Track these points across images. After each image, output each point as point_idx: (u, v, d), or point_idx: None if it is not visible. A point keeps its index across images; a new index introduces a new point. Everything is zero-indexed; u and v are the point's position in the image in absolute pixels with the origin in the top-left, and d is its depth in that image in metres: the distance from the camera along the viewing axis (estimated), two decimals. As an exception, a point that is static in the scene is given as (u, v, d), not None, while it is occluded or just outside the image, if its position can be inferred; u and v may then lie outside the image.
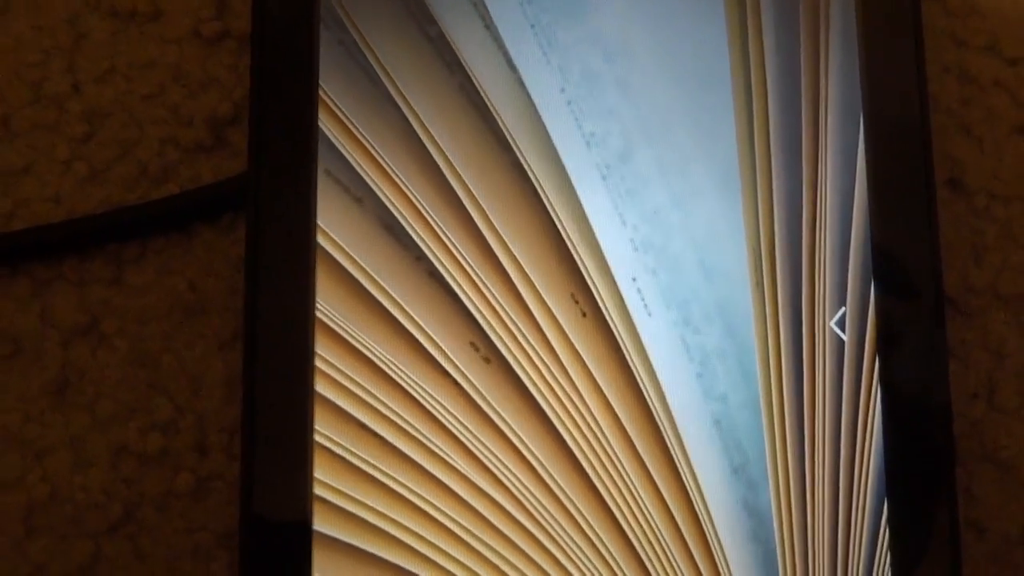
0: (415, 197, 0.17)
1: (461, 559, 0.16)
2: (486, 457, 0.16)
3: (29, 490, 0.18)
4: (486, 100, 0.17)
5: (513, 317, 0.17)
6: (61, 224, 0.19)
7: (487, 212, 0.17)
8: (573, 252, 0.17)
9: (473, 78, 0.17)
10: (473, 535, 0.16)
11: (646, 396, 0.17)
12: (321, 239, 0.17)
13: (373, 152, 0.17)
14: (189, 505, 0.18)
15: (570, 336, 0.17)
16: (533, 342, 0.17)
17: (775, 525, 0.16)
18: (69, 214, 0.19)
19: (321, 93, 0.17)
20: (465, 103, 0.17)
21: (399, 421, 0.16)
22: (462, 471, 0.16)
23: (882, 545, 0.16)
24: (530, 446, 0.16)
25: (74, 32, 0.20)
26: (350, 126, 0.17)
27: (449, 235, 0.17)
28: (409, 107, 0.17)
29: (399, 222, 0.17)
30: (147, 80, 0.19)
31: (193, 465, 0.18)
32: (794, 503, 0.16)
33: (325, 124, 0.17)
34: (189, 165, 0.19)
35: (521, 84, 0.17)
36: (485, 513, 0.16)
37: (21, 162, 0.19)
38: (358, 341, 0.17)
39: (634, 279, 0.17)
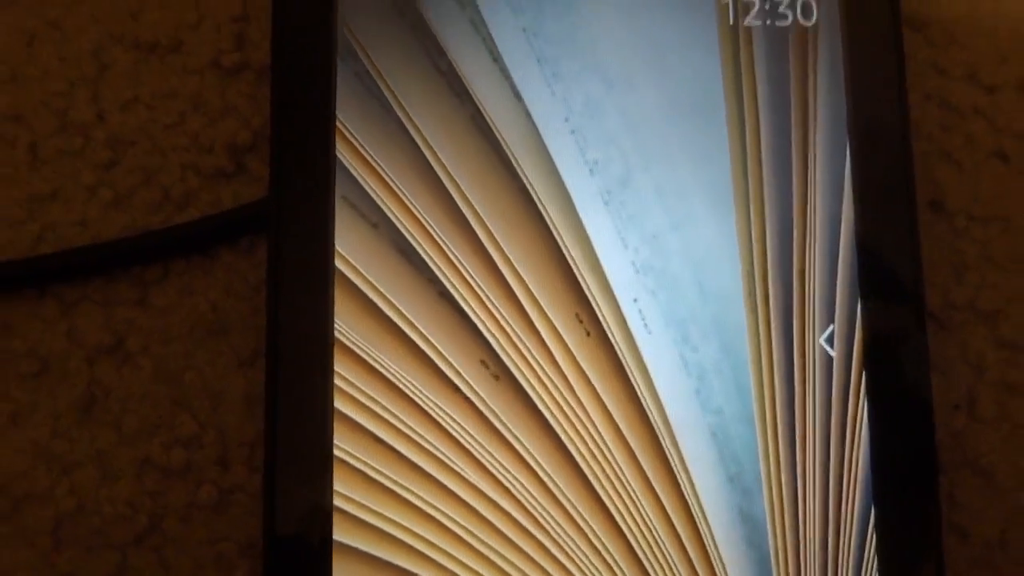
0: (427, 222, 0.18)
1: (472, 565, 0.17)
2: (496, 469, 0.17)
3: (57, 503, 0.19)
4: (494, 129, 0.18)
5: (521, 336, 0.18)
6: (87, 248, 0.20)
7: (495, 236, 0.18)
8: (577, 274, 0.18)
9: (482, 109, 0.18)
10: (483, 543, 0.17)
11: (647, 410, 0.18)
12: (338, 262, 0.18)
13: (388, 179, 0.18)
14: (212, 517, 0.19)
15: (575, 354, 0.18)
16: (540, 360, 0.18)
17: (769, 530, 0.17)
18: (95, 238, 0.20)
19: (338, 123, 0.18)
20: (475, 133, 0.18)
21: (413, 435, 0.17)
22: (473, 482, 0.17)
23: (870, 549, 0.17)
24: (537, 458, 0.17)
25: (98, 63, 0.20)
26: (365, 155, 0.18)
27: (460, 258, 0.18)
28: (421, 136, 0.18)
29: (412, 246, 0.18)
30: (169, 109, 0.20)
31: (215, 478, 0.19)
32: (786, 510, 0.17)
33: (342, 153, 0.18)
34: (210, 190, 0.20)
35: (527, 114, 0.18)
36: (495, 521, 0.17)
37: (48, 188, 0.20)
38: (374, 359, 0.17)
39: (635, 300, 0.18)
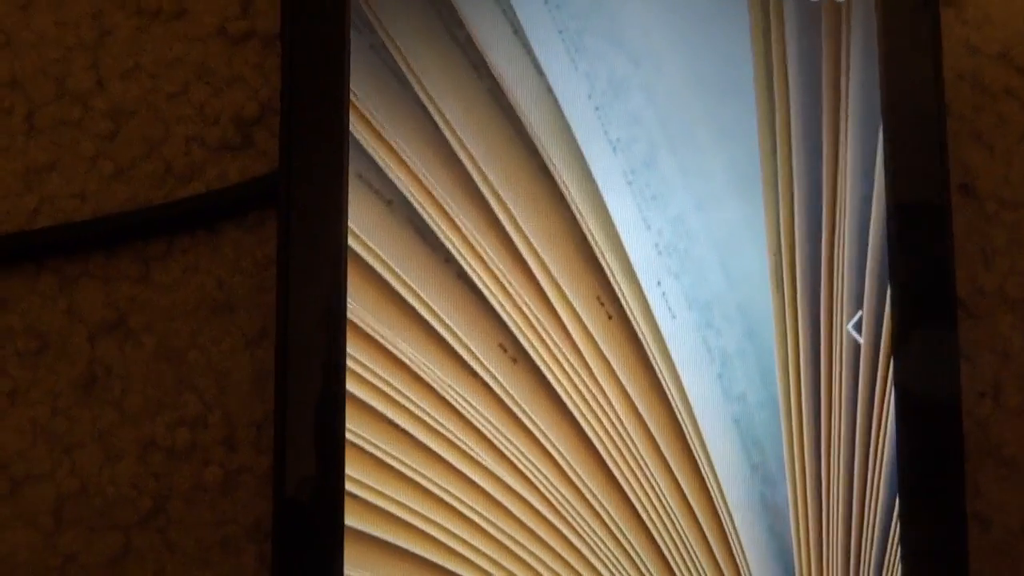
0: (444, 200, 0.17)
1: (488, 553, 0.17)
2: (513, 454, 0.17)
3: (59, 484, 0.19)
4: (514, 105, 0.17)
5: (540, 319, 0.17)
6: (87, 222, 0.19)
7: (515, 216, 0.17)
8: (599, 255, 0.17)
9: (501, 83, 0.17)
10: (500, 530, 0.17)
11: (669, 395, 0.17)
12: (352, 241, 0.17)
13: (403, 155, 0.17)
14: (218, 498, 0.18)
15: (596, 338, 0.17)
16: (560, 343, 0.17)
17: (791, 519, 0.17)
18: (95, 212, 0.19)
19: (352, 96, 0.17)
20: (493, 107, 0.17)
21: (428, 419, 0.17)
22: (490, 468, 0.17)
23: (893, 538, 0.17)
24: (556, 444, 0.17)
25: (98, 28, 0.20)
26: (380, 129, 0.17)
27: (478, 238, 0.17)
28: (438, 111, 0.17)
29: (428, 225, 0.17)
30: (172, 78, 0.19)
31: (222, 459, 0.19)
32: (810, 499, 0.17)
33: (356, 127, 0.17)
34: (215, 164, 0.19)
35: (549, 90, 0.18)
36: (512, 508, 0.17)
37: (46, 158, 0.19)
38: (388, 341, 0.17)
39: (659, 282, 0.17)
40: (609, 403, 0.17)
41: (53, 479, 0.19)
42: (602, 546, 0.17)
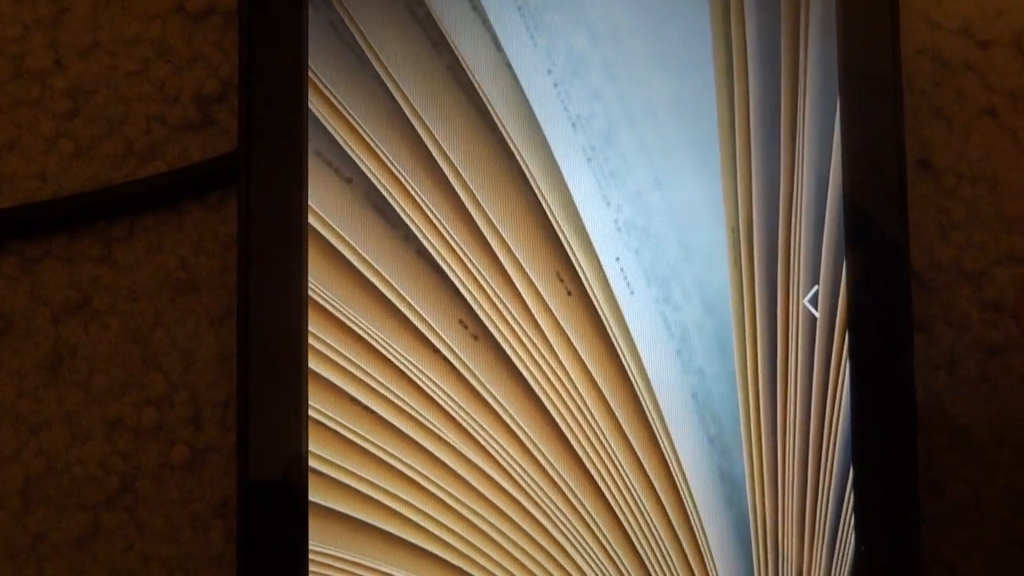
0: (404, 178, 0.17)
1: (451, 526, 0.17)
2: (475, 430, 0.17)
3: (26, 464, 0.19)
4: (473, 81, 0.17)
5: (500, 295, 0.17)
6: (49, 202, 0.19)
7: (475, 192, 0.17)
8: (559, 232, 0.17)
9: (461, 59, 0.17)
10: (463, 503, 0.17)
11: (628, 370, 0.17)
12: (311, 219, 0.17)
13: (362, 133, 0.17)
14: (185, 476, 0.19)
15: (555, 313, 0.17)
16: (520, 319, 0.17)
17: (748, 490, 0.17)
18: (56, 192, 0.19)
19: (310, 74, 0.17)
20: (453, 84, 0.17)
21: (390, 396, 0.17)
22: (451, 443, 0.17)
23: (847, 507, 0.17)
24: (517, 419, 0.17)
25: (56, 6, 0.19)
26: (339, 107, 0.17)
27: (437, 215, 0.17)
28: (398, 88, 0.17)
29: (388, 202, 0.17)
30: (131, 56, 0.19)
31: (188, 438, 0.19)
32: (766, 470, 0.17)
33: (314, 105, 0.17)
34: (177, 143, 0.19)
35: (508, 66, 0.18)
36: (473, 483, 0.17)
37: (5, 138, 0.19)
38: (349, 319, 0.17)
39: (617, 258, 0.17)
40: (569, 378, 0.17)
41: (20, 459, 0.19)
42: (563, 518, 0.17)
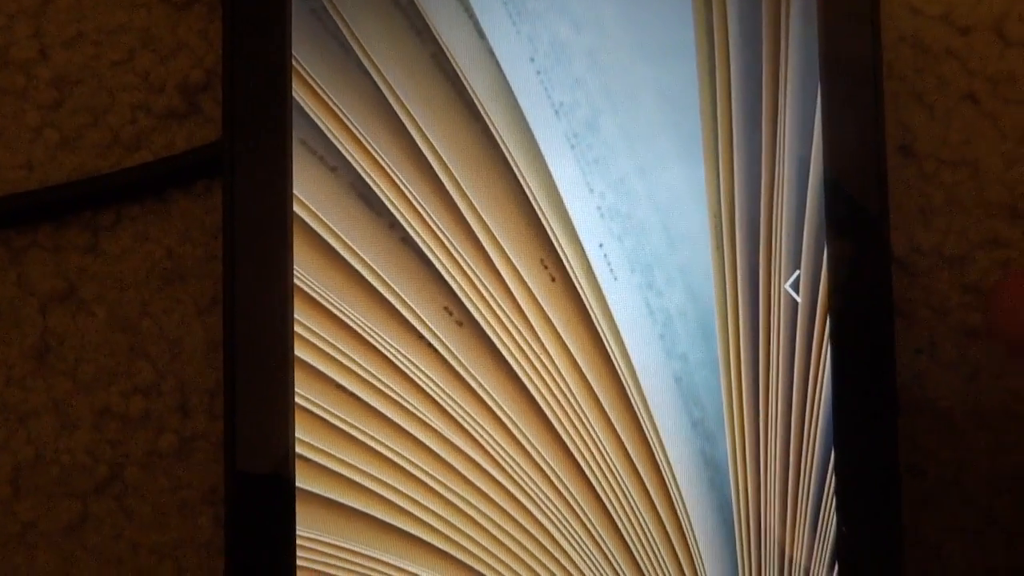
0: (388, 166, 0.17)
1: (437, 511, 0.17)
2: (460, 415, 0.17)
3: (15, 453, 0.19)
4: (457, 69, 0.18)
5: (485, 282, 0.17)
6: (35, 192, 0.19)
7: (458, 180, 0.17)
8: (542, 219, 0.17)
9: (444, 47, 0.18)
10: (449, 488, 0.17)
11: (611, 355, 0.17)
12: (297, 207, 0.17)
13: (346, 122, 0.17)
14: (173, 464, 0.19)
15: (539, 300, 0.17)
16: (504, 306, 0.17)
17: (731, 474, 0.17)
18: (42, 182, 0.19)
19: (294, 62, 0.17)
20: (436, 72, 0.18)
21: (376, 383, 0.17)
22: (437, 429, 0.17)
23: (829, 490, 0.17)
24: (502, 405, 0.17)
25: (38, -4, 0.19)
26: (323, 96, 0.17)
27: (422, 203, 0.17)
28: (381, 76, 0.17)
29: (373, 190, 0.17)
30: (116, 45, 0.19)
31: (176, 426, 0.19)
32: (749, 453, 0.18)
33: (299, 94, 0.17)
34: (162, 132, 0.19)
35: (491, 53, 0.18)
36: (459, 468, 0.17)
37: (-10, 129, 0.19)
38: (335, 306, 0.17)
39: (601, 245, 0.17)
40: (553, 364, 0.17)
41: (9, 448, 0.19)
42: (548, 502, 0.17)
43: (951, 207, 0.20)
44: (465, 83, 0.18)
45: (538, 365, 0.17)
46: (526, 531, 0.17)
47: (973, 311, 0.19)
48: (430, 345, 0.17)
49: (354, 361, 0.17)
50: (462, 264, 0.17)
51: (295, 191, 0.17)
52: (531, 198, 0.17)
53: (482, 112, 0.17)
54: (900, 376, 0.18)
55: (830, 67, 0.18)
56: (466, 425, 0.17)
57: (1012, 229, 0.20)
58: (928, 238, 0.20)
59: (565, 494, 0.17)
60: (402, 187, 0.17)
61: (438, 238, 0.17)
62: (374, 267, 0.17)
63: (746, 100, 0.18)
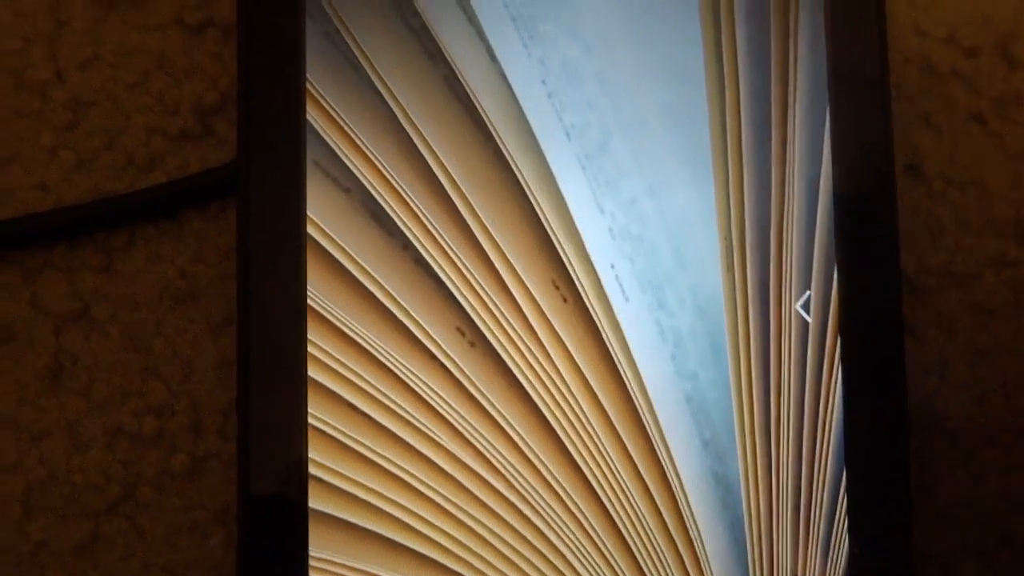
0: (401, 187, 0.18)
1: (449, 531, 0.17)
2: (472, 435, 0.17)
3: (27, 472, 0.19)
4: (469, 92, 0.18)
5: (497, 303, 0.17)
6: (49, 212, 0.19)
7: (471, 201, 0.18)
8: (554, 240, 0.18)
9: (456, 70, 0.18)
10: (461, 509, 0.17)
11: (623, 375, 0.18)
12: (310, 228, 0.17)
13: (360, 143, 0.17)
14: (185, 484, 0.19)
15: (551, 320, 0.17)
16: (516, 327, 0.17)
17: (742, 493, 0.17)
18: (56, 202, 0.19)
19: (308, 85, 0.17)
20: (448, 95, 0.18)
21: (389, 403, 0.17)
22: (450, 449, 0.17)
23: (841, 510, 0.17)
24: (514, 425, 0.17)
25: (55, 19, 0.20)
26: (337, 118, 0.17)
27: (435, 224, 0.17)
28: (394, 99, 0.18)
29: (386, 212, 0.17)
30: (131, 68, 0.20)
31: (188, 446, 0.19)
32: (760, 473, 0.18)
33: (312, 115, 0.17)
34: (176, 154, 0.19)
35: (503, 76, 0.18)
36: (471, 488, 0.17)
37: (6, 151, 0.19)
38: (348, 327, 0.17)
39: (612, 266, 0.18)
40: (565, 384, 0.17)
41: (22, 468, 0.19)
42: (560, 522, 0.17)
43: (959, 226, 0.20)
44: (477, 105, 0.18)
45: (550, 385, 0.17)
46: (538, 551, 0.17)
47: (983, 331, 0.19)
48: (442, 365, 0.17)
49: (367, 381, 0.17)
50: (474, 285, 0.17)
51: (309, 212, 0.17)
52: (543, 219, 0.18)
53: (494, 134, 0.18)
54: (910, 396, 0.18)
55: (838, 88, 0.18)
56: (478, 445, 0.17)
57: (1020, 248, 0.20)
58: (936, 258, 0.20)
59: (577, 513, 0.17)
60: (415, 208, 0.17)
61: (451, 259, 0.17)
62: (387, 287, 0.17)
63: (755, 121, 0.18)
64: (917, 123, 0.20)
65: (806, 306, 0.18)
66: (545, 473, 0.17)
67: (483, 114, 0.18)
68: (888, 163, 0.18)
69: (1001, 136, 0.20)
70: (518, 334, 0.17)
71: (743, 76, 0.18)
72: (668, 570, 0.17)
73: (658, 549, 0.17)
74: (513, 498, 0.17)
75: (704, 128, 0.18)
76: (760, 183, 0.18)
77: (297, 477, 0.17)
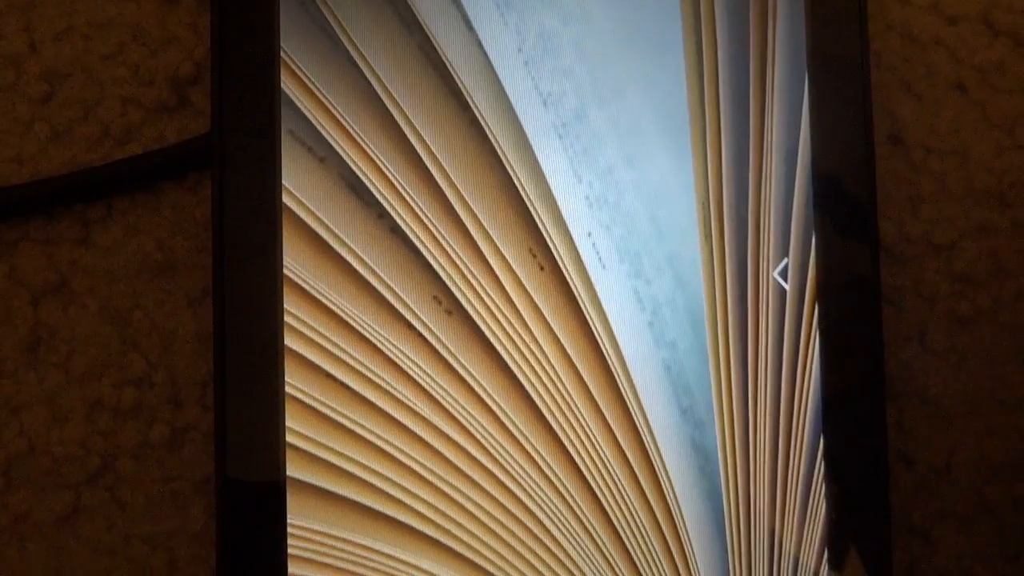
0: (376, 156, 0.17)
1: (426, 498, 0.17)
2: (449, 404, 0.17)
3: (7, 445, 0.19)
4: (445, 60, 0.18)
5: (474, 271, 0.17)
6: (25, 185, 0.19)
7: (447, 170, 0.17)
8: (531, 208, 0.18)
9: (432, 38, 0.18)
10: (438, 476, 0.17)
11: (600, 344, 0.18)
12: (286, 198, 0.17)
13: (335, 112, 0.17)
14: (165, 455, 0.19)
15: (528, 289, 0.17)
16: (493, 295, 0.17)
17: (720, 460, 0.18)
18: (33, 175, 0.19)
19: (282, 55, 0.17)
20: (424, 63, 0.18)
21: (365, 371, 0.17)
22: (426, 417, 0.17)
23: (818, 477, 0.18)
24: (491, 393, 0.17)
25: (28, -10, 0.19)
26: (311, 87, 0.17)
27: (410, 193, 0.17)
28: (369, 67, 0.18)
29: (361, 180, 0.17)
30: (106, 39, 0.19)
31: (168, 417, 0.19)
32: (738, 440, 0.18)
33: (287, 85, 0.17)
34: (152, 125, 0.19)
35: (479, 44, 0.18)
36: (448, 456, 0.17)
37: (-19, 123, 0.19)
38: (324, 296, 0.17)
39: (589, 234, 0.18)
40: (542, 352, 0.17)
41: (1, 440, 0.19)
42: (537, 489, 0.17)
43: (940, 195, 0.20)
44: (453, 74, 0.18)
45: (527, 353, 0.17)
46: (515, 518, 0.17)
47: (962, 299, 0.19)
48: (419, 334, 0.17)
49: (344, 350, 0.17)
50: (451, 253, 0.17)
51: (284, 182, 0.17)
52: (519, 188, 0.18)
53: (470, 102, 0.18)
54: (889, 363, 0.18)
55: (818, 57, 0.18)
56: (455, 413, 0.17)
57: (1001, 217, 0.20)
58: (917, 226, 0.20)
59: (554, 481, 0.17)
60: (391, 177, 0.17)
61: (427, 228, 0.17)
62: (363, 257, 0.17)
63: (734, 89, 0.18)
64: (898, 92, 0.20)
65: (784, 274, 0.18)
66: (522, 441, 0.17)
67: (459, 82, 0.18)
68: (867, 133, 0.18)
69: (983, 105, 0.20)
70: (495, 302, 0.17)
71: (722, 42, 0.18)
72: (646, 537, 0.17)
73: (636, 516, 0.17)
74: (490, 465, 0.17)
75: (682, 97, 0.18)
76: (738, 151, 0.18)
77: (275, 446, 0.17)
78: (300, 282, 0.17)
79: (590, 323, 0.18)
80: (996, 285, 0.19)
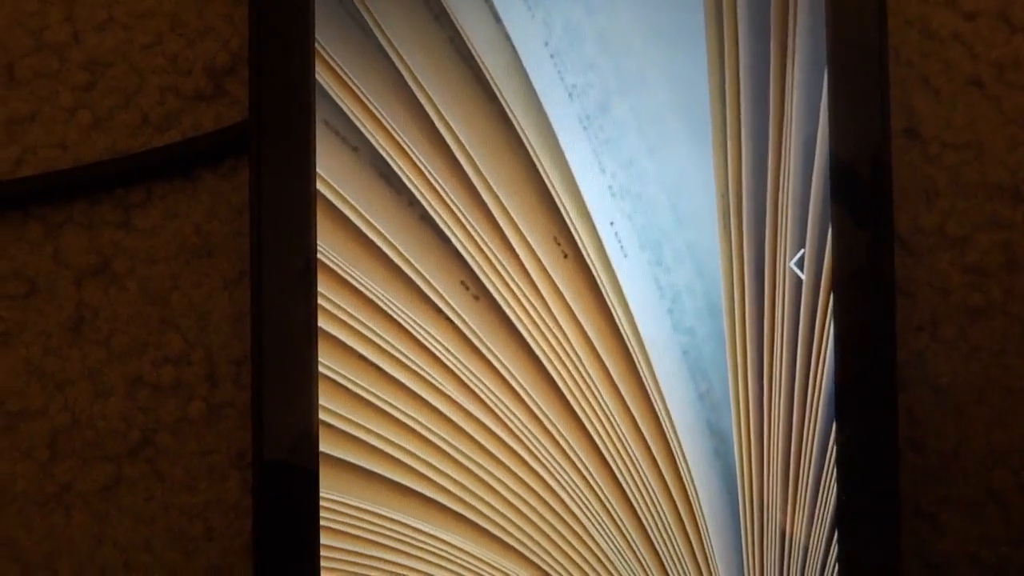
0: (407, 145, 0.18)
1: (454, 475, 0.18)
2: (475, 385, 0.18)
3: (52, 418, 0.20)
4: (473, 52, 0.18)
5: (500, 258, 0.18)
6: (69, 171, 0.20)
7: (475, 159, 0.18)
8: (555, 198, 0.18)
9: (461, 31, 0.18)
10: (464, 454, 0.18)
11: (621, 329, 0.18)
12: (320, 185, 0.18)
13: (367, 103, 0.18)
14: (202, 430, 0.20)
15: (552, 276, 0.18)
16: (519, 281, 0.18)
17: (735, 444, 0.18)
18: (76, 160, 0.20)
19: (317, 46, 0.18)
20: (454, 55, 0.18)
21: (396, 353, 0.18)
22: (454, 398, 0.18)
23: (830, 462, 0.18)
24: (516, 375, 0.18)
25: (71, -19, 0.20)
26: (345, 77, 0.18)
27: (440, 181, 0.18)
28: (401, 60, 0.18)
29: (393, 169, 0.18)
30: (145, 30, 0.20)
31: (205, 394, 0.20)
32: (752, 424, 0.18)
33: (322, 76, 0.18)
34: (190, 113, 0.20)
35: (507, 37, 0.18)
36: (474, 435, 0.18)
37: (26, 110, 0.20)
38: (356, 280, 0.18)
39: (612, 223, 0.18)
40: (565, 336, 0.18)
41: (47, 414, 0.20)
42: (558, 467, 0.18)
43: (954, 189, 0.20)
44: (481, 66, 0.18)
45: (550, 337, 0.18)
46: (537, 495, 0.18)
47: (974, 291, 0.20)
48: (447, 318, 0.18)
49: (375, 333, 0.18)
50: (478, 240, 0.18)
51: (318, 170, 0.18)
52: (545, 177, 0.18)
53: (498, 94, 0.18)
54: (901, 353, 0.19)
55: (837, 50, 0.18)
56: (481, 394, 0.18)
57: (1014, 211, 0.20)
58: (931, 219, 0.20)
59: (575, 460, 0.18)
60: (421, 166, 0.18)
61: (455, 215, 0.18)
62: (394, 243, 0.18)
63: (754, 82, 0.18)
64: (916, 86, 0.20)
65: (800, 264, 0.18)
66: (545, 421, 0.18)
67: (487, 74, 0.18)
68: (885, 125, 0.18)
69: (999, 100, 0.20)
70: (520, 288, 0.18)
71: (743, 36, 0.18)
72: (663, 517, 0.18)
73: (654, 496, 0.18)
74: (514, 445, 0.18)
75: (704, 89, 0.18)
76: (758, 143, 0.18)
77: (309, 424, 0.18)
78: (333, 266, 0.18)
79: (611, 309, 0.18)
80: (1008, 277, 0.20)
